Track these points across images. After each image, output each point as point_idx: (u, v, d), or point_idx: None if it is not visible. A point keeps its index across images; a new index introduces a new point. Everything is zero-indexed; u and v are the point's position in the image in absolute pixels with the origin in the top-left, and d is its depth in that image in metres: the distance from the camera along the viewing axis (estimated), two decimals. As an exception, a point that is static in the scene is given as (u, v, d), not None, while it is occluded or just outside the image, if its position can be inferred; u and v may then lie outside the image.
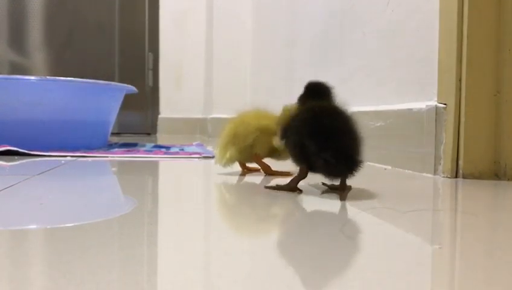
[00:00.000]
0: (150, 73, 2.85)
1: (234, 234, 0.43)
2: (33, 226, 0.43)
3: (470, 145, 0.77)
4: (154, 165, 1.01)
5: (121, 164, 1.01)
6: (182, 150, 1.31)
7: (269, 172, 0.79)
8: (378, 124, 0.98)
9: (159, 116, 2.90)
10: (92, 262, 0.31)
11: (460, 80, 0.78)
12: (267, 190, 0.63)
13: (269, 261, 0.33)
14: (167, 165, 1.02)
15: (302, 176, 0.59)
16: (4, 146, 1.08)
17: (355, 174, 0.56)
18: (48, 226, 0.42)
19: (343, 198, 0.56)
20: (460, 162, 0.77)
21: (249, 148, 0.77)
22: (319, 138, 0.56)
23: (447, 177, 0.78)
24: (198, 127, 2.87)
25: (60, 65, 2.66)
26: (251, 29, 2.27)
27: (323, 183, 0.64)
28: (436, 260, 0.35)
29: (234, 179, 0.76)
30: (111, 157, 1.10)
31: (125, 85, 1.46)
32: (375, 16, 1.05)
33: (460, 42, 0.77)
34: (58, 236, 0.38)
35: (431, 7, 0.85)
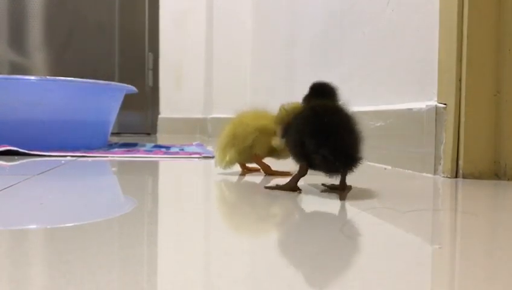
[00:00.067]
0: (150, 73, 2.85)
1: (234, 234, 0.43)
2: (33, 226, 0.43)
3: (470, 145, 0.77)
4: (154, 165, 1.01)
5: (121, 164, 1.01)
6: (182, 150, 1.31)
7: (269, 172, 0.79)
8: (378, 124, 0.98)
9: (159, 116, 2.90)
10: (92, 262, 0.31)
11: (460, 80, 0.78)
12: (267, 189, 0.63)
13: (269, 261, 0.33)
14: (167, 165, 1.02)
15: (302, 173, 0.60)
16: (4, 146, 1.08)
17: (354, 170, 0.56)
18: (48, 226, 0.42)
19: (343, 198, 0.56)
20: (460, 162, 0.77)
21: (248, 149, 0.77)
22: (319, 135, 0.56)
23: (447, 177, 0.78)
24: (198, 127, 2.87)
25: (60, 65, 2.66)
26: (251, 29, 2.27)
27: (323, 184, 0.64)
28: (436, 260, 0.35)
29: (234, 179, 0.76)
30: (111, 157, 1.10)
31: (125, 85, 1.46)
32: (375, 16, 1.05)
33: (460, 42, 0.77)
34: (58, 236, 0.38)
35: (431, 7, 0.85)
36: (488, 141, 0.77)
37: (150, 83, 2.85)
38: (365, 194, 0.60)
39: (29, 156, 1.06)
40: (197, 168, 0.96)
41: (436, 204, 0.60)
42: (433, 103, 0.81)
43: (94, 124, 1.35)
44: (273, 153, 0.77)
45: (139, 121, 2.83)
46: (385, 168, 0.92)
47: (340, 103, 0.62)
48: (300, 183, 0.61)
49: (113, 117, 1.46)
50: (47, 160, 1.00)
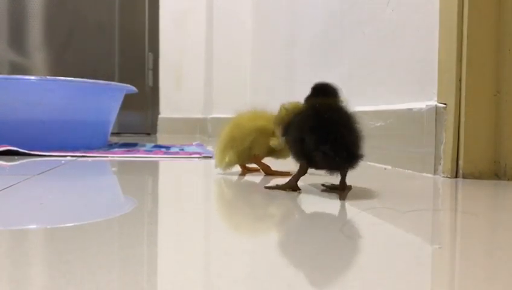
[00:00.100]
0: (150, 73, 2.85)
1: (234, 233, 0.43)
2: (33, 226, 0.43)
3: (470, 145, 0.77)
4: (154, 165, 1.01)
5: (121, 164, 1.01)
6: (182, 150, 1.31)
7: (269, 172, 0.79)
8: (378, 124, 0.98)
9: (159, 116, 2.90)
10: (92, 262, 0.31)
11: (460, 80, 0.78)
12: (267, 189, 0.63)
13: (269, 261, 0.33)
14: (167, 165, 1.02)
15: (302, 172, 0.60)
16: (4, 146, 1.08)
17: (355, 167, 0.56)
18: (48, 226, 0.42)
19: (343, 198, 0.56)
20: (460, 162, 0.77)
21: (247, 150, 0.76)
22: (319, 131, 0.56)
23: (447, 177, 0.78)
24: (198, 127, 2.87)
25: (60, 65, 2.66)
26: (251, 29, 2.27)
27: (323, 184, 0.64)
28: (436, 260, 0.35)
29: (234, 179, 0.76)
30: (111, 157, 1.10)
31: (125, 85, 1.46)
32: (375, 16, 1.05)
33: (460, 42, 0.77)
34: (58, 236, 0.38)
35: (431, 7, 0.85)
36: (488, 141, 0.77)
37: (150, 83, 2.85)
38: (365, 194, 0.60)
39: (29, 156, 1.06)
40: (197, 168, 0.96)
41: (436, 204, 0.60)
42: (433, 102, 0.81)
43: (94, 124, 1.35)
44: (273, 152, 0.77)
45: (139, 121, 2.83)
46: (385, 168, 0.92)
47: (340, 101, 0.62)
48: (300, 183, 0.61)
49: (113, 117, 1.46)
50: (47, 160, 1.00)
